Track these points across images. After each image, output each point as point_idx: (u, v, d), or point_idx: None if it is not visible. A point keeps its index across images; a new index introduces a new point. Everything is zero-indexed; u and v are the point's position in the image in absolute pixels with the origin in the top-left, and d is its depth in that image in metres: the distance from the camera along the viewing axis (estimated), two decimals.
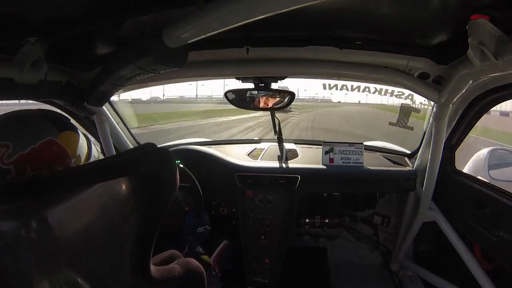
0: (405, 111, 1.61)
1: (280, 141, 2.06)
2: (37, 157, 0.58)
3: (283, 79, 1.40)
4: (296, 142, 2.12)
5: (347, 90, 1.62)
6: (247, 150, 1.93)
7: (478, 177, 1.48)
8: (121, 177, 0.58)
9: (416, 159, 1.71)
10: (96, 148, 0.74)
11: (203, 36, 0.78)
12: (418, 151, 1.70)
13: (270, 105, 1.48)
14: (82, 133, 0.70)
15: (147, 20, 0.84)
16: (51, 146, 0.60)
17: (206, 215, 1.43)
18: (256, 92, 1.45)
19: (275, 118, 2.00)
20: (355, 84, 1.54)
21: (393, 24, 1.01)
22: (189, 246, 1.28)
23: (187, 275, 0.71)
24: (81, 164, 0.66)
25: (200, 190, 1.42)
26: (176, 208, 1.43)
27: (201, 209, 1.42)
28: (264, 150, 1.92)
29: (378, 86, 1.52)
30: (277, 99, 1.46)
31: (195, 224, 1.37)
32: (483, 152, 1.77)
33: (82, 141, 0.68)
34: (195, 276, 0.74)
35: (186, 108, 24.04)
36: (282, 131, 1.82)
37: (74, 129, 0.68)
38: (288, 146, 1.98)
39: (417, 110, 1.58)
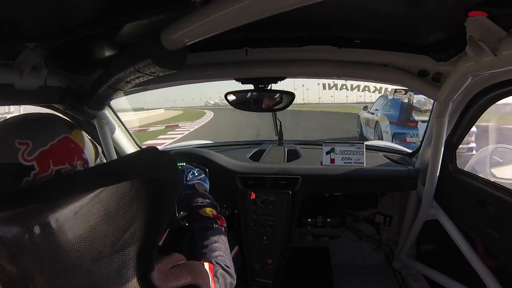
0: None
1: (281, 142, 2.07)
2: (58, 152, 0.60)
3: (283, 79, 1.40)
4: (297, 143, 2.13)
5: (347, 89, 1.62)
6: (248, 151, 1.93)
7: (480, 175, 1.47)
8: (123, 181, 0.58)
9: (417, 158, 1.70)
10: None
11: (202, 38, 0.78)
12: (419, 150, 1.70)
13: (270, 106, 1.48)
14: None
15: (145, 22, 0.84)
16: (68, 142, 0.62)
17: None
18: (255, 93, 1.45)
19: (277, 119, 2.01)
20: (355, 83, 1.54)
21: (391, 22, 1.01)
22: (185, 203, 1.06)
23: (190, 279, 0.71)
24: (93, 159, 0.67)
25: None
26: None
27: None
28: (265, 152, 1.92)
29: (378, 85, 1.52)
30: (277, 99, 1.46)
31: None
32: (485, 150, 1.76)
33: (87, 138, 0.70)
34: (199, 280, 0.74)
35: None
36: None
37: (80, 128, 0.69)
38: (289, 147, 1.98)
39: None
